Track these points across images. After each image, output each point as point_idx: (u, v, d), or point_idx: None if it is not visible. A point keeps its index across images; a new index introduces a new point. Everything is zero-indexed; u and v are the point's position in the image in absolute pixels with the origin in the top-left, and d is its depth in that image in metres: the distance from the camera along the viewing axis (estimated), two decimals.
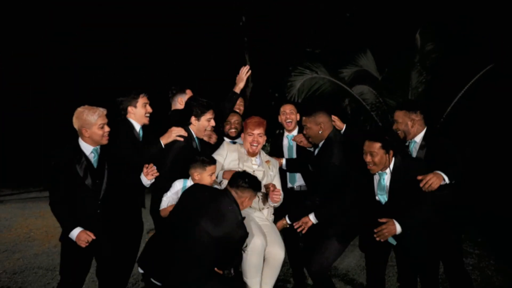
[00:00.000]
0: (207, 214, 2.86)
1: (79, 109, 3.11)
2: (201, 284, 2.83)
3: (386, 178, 3.16)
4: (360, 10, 10.70)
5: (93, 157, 3.12)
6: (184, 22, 13.48)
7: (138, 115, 3.56)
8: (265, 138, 3.52)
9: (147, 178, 3.29)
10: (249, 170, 3.36)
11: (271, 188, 3.40)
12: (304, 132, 3.75)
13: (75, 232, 2.98)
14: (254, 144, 3.44)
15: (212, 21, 13.85)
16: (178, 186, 3.35)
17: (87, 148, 3.11)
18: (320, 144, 3.63)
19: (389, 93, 8.39)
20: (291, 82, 8.86)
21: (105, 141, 3.14)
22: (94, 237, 3.02)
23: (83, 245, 2.99)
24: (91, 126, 3.04)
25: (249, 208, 3.36)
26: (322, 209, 3.41)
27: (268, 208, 3.57)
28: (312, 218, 3.39)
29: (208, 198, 2.97)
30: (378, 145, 3.07)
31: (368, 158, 3.11)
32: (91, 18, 13.34)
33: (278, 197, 3.40)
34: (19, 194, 10.11)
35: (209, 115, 3.52)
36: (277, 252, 3.33)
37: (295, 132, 4.13)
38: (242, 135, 3.68)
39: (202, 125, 3.56)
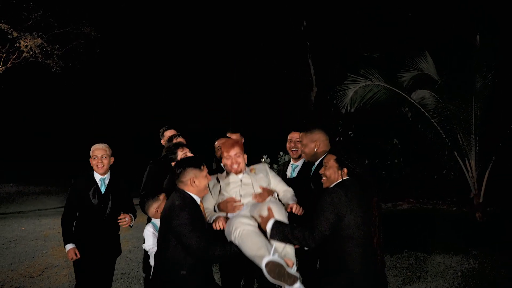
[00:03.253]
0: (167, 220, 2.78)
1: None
2: None
3: None
4: (415, 11, 9.94)
5: (100, 185, 3.68)
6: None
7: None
8: (245, 156, 3.32)
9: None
10: (237, 183, 3.27)
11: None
12: (300, 147, 3.60)
13: (68, 247, 3.59)
14: (235, 165, 3.30)
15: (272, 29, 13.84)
16: (151, 228, 3.30)
17: (97, 177, 3.70)
18: (317, 163, 3.37)
19: (450, 98, 7.65)
20: (343, 90, 8.47)
21: (96, 169, 3.67)
22: (79, 257, 3.56)
23: (70, 258, 3.58)
24: (91, 157, 3.69)
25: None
26: None
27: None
28: None
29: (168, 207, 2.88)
30: (332, 157, 2.74)
31: (321, 170, 2.80)
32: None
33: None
34: None
35: (180, 151, 3.61)
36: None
37: (300, 162, 3.84)
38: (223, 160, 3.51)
39: None
